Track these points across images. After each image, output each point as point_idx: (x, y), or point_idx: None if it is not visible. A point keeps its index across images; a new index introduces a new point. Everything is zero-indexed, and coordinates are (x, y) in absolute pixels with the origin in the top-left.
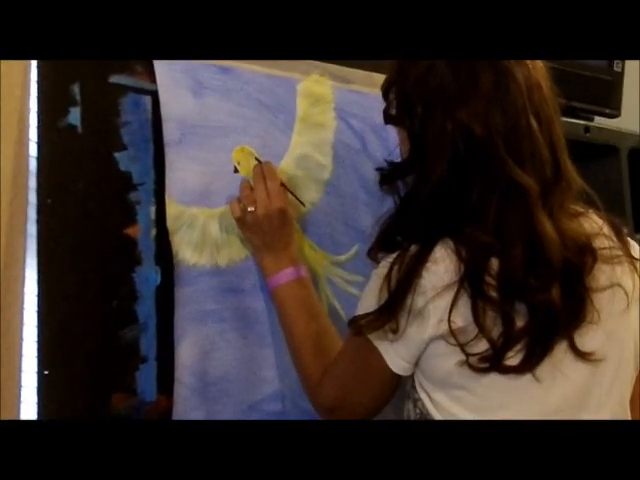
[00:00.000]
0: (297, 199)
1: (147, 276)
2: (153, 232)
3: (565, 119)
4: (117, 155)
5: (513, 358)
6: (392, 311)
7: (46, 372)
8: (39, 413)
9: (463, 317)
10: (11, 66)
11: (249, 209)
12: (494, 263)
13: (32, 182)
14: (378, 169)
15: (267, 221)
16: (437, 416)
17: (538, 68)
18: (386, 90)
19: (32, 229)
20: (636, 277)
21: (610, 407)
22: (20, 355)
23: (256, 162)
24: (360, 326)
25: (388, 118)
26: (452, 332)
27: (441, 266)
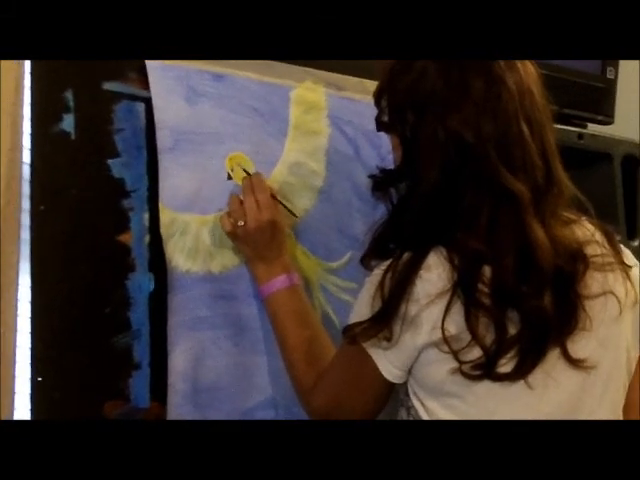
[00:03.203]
0: (288, 210)
1: (140, 283)
2: (146, 239)
3: (558, 126)
4: (110, 162)
5: (506, 365)
6: (386, 319)
7: (39, 378)
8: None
9: (456, 324)
10: (4, 73)
11: (239, 223)
12: (487, 270)
13: (25, 189)
14: (370, 176)
15: (258, 233)
16: None
17: (530, 74)
18: (378, 97)
19: (25, 235)
20: (629, 284)
21: (602, 414)
22: (13, 361)
23: (245, 173)
24: (354, 334)
25: (380, 125)
26: (445, 339)
27: (434, 273)
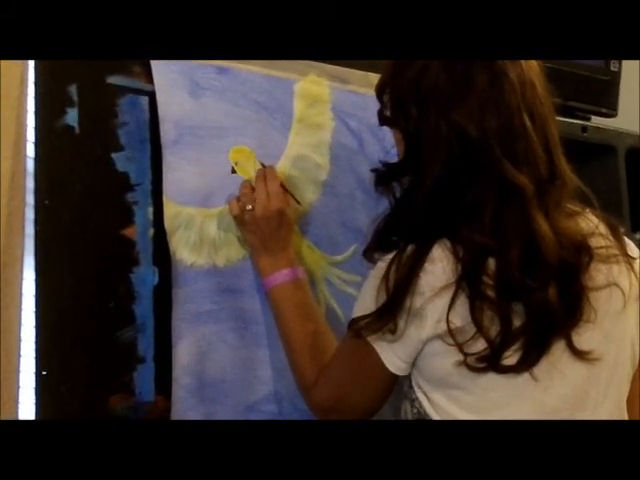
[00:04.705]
0: (295, 199)
1: (144, 276)
2: (150, 232)
3: (562, 119)
4: (114, 156)
5: (510, 358)
6: (391, 312)
7: (44, 372)
8: (37, 413)
9: (461, 317)
10: (9, 67)
11: (247, 208)
12: (491, 263)
13: (30, 183)
14: (373, 170)
15: (265, 221)
16: (434, 416)
17: (532, 67)
18: (380, 91)
19: (30, 229)
20: (633, 276)
21: (607, 406)
22: (18, 355)
23: (259, 165)
24: (359, 328)
25: (383, 119)
26: (450, 332)
27: (439, 266)
